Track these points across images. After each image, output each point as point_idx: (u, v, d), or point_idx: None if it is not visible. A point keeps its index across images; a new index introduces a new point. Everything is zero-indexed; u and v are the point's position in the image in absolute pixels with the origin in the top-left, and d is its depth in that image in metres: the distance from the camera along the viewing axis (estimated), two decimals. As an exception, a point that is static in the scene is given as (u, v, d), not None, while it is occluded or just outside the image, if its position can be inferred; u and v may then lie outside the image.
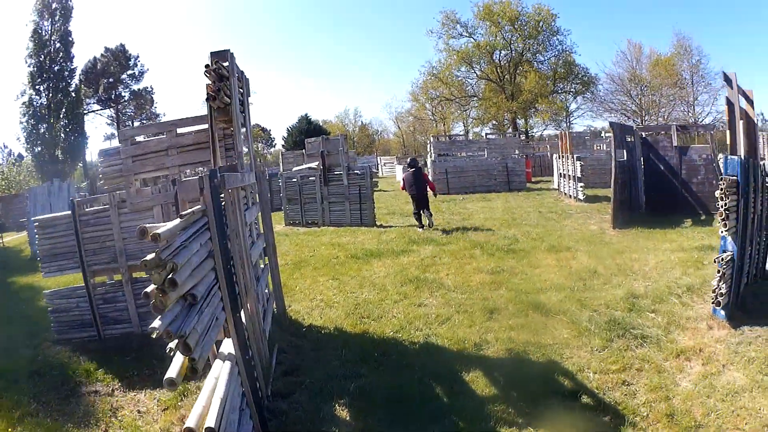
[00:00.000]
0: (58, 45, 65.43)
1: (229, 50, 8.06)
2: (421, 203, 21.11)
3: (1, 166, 74.79)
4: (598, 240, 16.52)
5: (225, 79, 7.91)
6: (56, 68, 65.37)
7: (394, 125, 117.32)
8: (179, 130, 9.49)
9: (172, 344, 4.14)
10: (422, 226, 21.05)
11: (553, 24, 76.66)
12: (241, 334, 5.89)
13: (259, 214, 10.54)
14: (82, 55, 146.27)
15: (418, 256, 15.75)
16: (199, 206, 5.52)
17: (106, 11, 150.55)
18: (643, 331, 8.49)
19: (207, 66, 7.61)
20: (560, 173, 31.03)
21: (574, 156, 27.59)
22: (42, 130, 64.36)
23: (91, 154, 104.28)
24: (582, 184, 26.77)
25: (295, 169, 27.69)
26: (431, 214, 21.34)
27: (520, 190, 35.42)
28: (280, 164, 32.82)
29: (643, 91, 72.75)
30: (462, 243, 17.19)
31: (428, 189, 21.35)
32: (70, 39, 66.73)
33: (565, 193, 29.48)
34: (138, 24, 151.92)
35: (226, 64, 7.93)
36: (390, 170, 67.89)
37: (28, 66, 65.00)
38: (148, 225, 4.19)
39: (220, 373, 5.04)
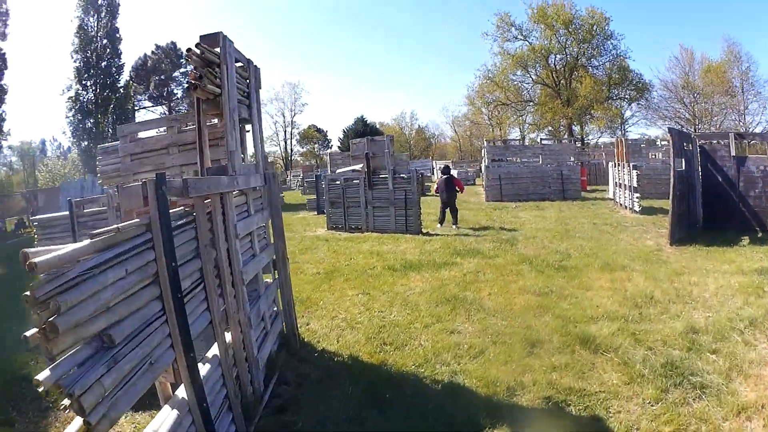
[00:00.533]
0: (104, 41, 65.84)
1: (221, 33, 6.98)
2: (448, 206, 23.69)
3: (46, 158, 75.28)
4: (655, 258, 15.20)
5: (214, 65, 6.93)
6: (103, 64, 65.90)
7: (451, 129, 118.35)
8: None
9: (65, 401, 3.22)
10: (441, 223, 23.73)
11: (606, 28, 75.60)
12: (197, 379, 4.90)
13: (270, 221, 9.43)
14: (132, 52, 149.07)
15: (460, 270, 14.61)
16: (136, 220, 4.52)
17: (157, 11, 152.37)
18: (702, 379, 7.18)
19: (189, 50, 6.55)
20: (616, 182, 29.66)
21: (630, 164, 26.19)
22: (89, 125, 64.91)
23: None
24: (638, 195, 25.46)
25: (339, 171, 26.69)
26: (456, 220, 23.59)
27: (575, 199, 34.18)
28: (328, 165, 31.88)
29: (695, 98, 71.40)
30: (510, 256, 16.05)
31: (456, 191, 23.66)
32: (117, 36, 67.26)
33: (621, 204, 28.13)
34: (191, 23, 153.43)
35: (217, 50, 6.96)
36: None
37: (74, 61, 65.50)
38: (32, 250, 3.23)
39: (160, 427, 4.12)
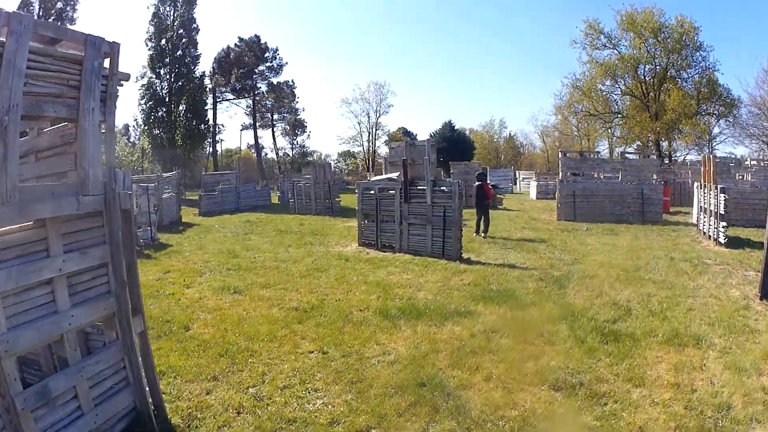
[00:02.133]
0: (180, 31, 65.81)
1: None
2: (480, 214, 24.13)
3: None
4: (741, 323, 11.05)
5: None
6: (178, 53, 65.71)
7: (539, 139, 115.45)
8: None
9: None
10: (478, 233, 23.75)
11: (695, 38, 70.62)
12: None
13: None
14: (215, 44, 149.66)
15: (472, 326, 10.84)
16: None
17: (243, 4, 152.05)
18: None
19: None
20: (700, 206, 25.06)
21: (717, 187, 21.85)
22: (161, 114, 64.52)
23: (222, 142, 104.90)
24: (724, 224, 21.20)
25: (373, 178, 23.09)
26: (486, 229, 23.89)
27: (655, 222, 29.56)
28: (383, 170, 28.18)
29: None
30: (549, 307, 12.25)
31: (486, 200, 24.34)
32: (194, 26, 67.40)
33: (704, 233, 23.70)
34: (280, 19, 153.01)
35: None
36: (527, 186, 62.71)
37: (149, 49, 65.76)
38: None
39: None
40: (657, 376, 8.32)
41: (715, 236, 21.59)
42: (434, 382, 8.09)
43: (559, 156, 33.77)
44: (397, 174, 20.01)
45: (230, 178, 48.18)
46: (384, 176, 21.53)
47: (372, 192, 20.84)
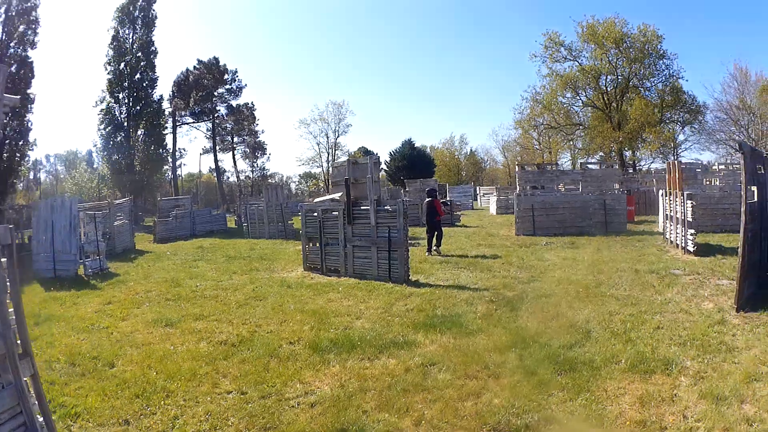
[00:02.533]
0: (139, 54, 64.61)
1: None
2: (430, 231, 23.38)
3: (74, 171, 74.28)
4: (717, 340, 9.68)
5: None
6: (137, 77, 64.51)
7: (501, 154, 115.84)
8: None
9: None
10: (430, 252, 22.96)
11: (659, 46, 70.15)
12: None
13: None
14: (175, 67, 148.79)
15: (407, 359, 9.46)
16: None
17: (202, 25, 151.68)
18: None
19: None
20: (666, 214, 23.96)
21: (685, 194, 20.71)
22: (119, 139, 63.22)
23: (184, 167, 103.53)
24: (692, 231, 19.96)
25: (317, 200, 21.68)
26: (438, 245, 23.27)
27: (619, 233, 28.20)
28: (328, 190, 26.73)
29: (752, 120, 66.45)
30: (498, 333, 10.77)
31: (437, 218, 23.47)
32: (153, 49, 66.19)
33: (671, 241, 22.57)
34: (238, 42, 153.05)
35: None
36: (487, 201, 61.89)
37: (108, 73, 64.54)
38: None
39: None
40: (619, 412, 6.93)
41: (684, 244, 20.41)
42: (356, 427, 6.83)
43: (517, 170, 32.47)
44: (340, 194, 18.63)
45: (185, 203, 46.83)
46: (327, 197, 20.17)
47: (315, 214, 19.44)
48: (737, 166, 36.08)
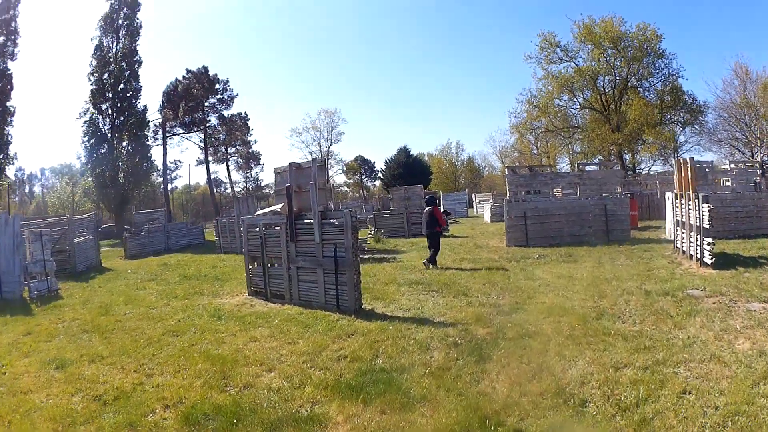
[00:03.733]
0: (123, 64, 61.91)
1: None
2: (429, 241, 21.00)
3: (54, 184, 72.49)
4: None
5: None
6: (120, 87, 61.79)
7: (498, 160, 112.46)
8: None
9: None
10: (435, 265, 19.96)
11: (657, 46, 67.10)
12: None
13: None
14: (166, 78, 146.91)
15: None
16: None
17: (192, 35, 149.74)
18: None
19: None
20: (676, 219, 20.28)
21: (699, 195, 17.17)
22: (103, 151, 60.60)
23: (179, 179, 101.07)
24: (709, 240, 16.44)
25: (258, 212, 18.12)
26: (433, 259, 20.26)
27: (623, 241, 24.42)
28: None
29: (754, 118, 63.62)
30: (447, 408, 7.21)
31: (437, 227, 20.99)
32: (137, 58, 63.48)
33: (683, 251, 18.94)
34: (230, 52, 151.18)
35: None
36: (482, 209, 58.12)
37: (91, 84, 61.94)
38: None
39: None
40: None
41: (699, 255, 16.97)
42: None
43: (507, 173, 28.73)
44: (281, 205, 15.19)
45: (160, 216, 44.82)
46: (269, 209, 16.67)
47: (257, 230, 15.99)
48: (749, 164, 33.01)
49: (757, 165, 31.54)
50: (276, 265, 15.54)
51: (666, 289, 13.61)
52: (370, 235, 32.31)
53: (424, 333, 10.86)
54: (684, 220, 18.77)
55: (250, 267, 16.53)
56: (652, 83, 69.59)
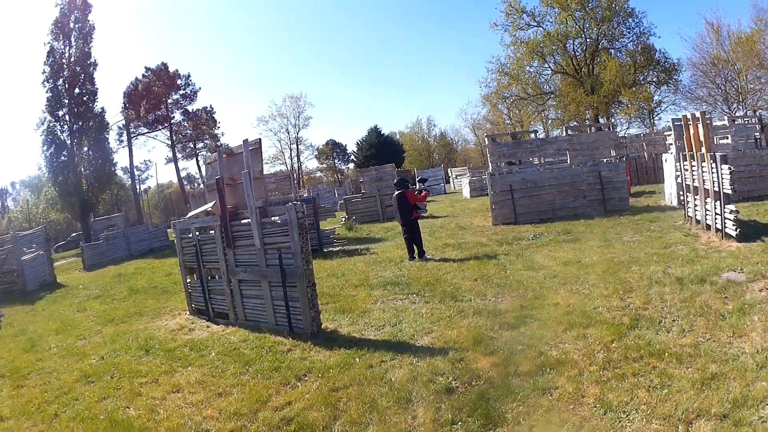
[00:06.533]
0: (77, 68, 58.14)
1: None
2: (408, 232, 17.21)
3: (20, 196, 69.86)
4: None
5: None
6: (76, 92, 58.25)
7: (471, 133, 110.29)
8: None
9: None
10: (412, 257, 16.95)
11: (626, 5, 65.33)
12: None
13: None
14: (125, 79, 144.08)
15: None
16: None
17: (148, 34, 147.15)
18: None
19: None
20: (686, 184, 17.17)
21: (716, 156, 14.08)
22: (64, 158, 57.21)
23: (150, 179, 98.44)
24: (732, 208, 13.48)
25: (190, 213, 14.85)
26: (421, 251, 17.03)
27: (623, 211, 21.38)
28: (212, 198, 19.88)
29: (728, 75, 61.00)
30: None
31: (414, 212, 17.37)
32: (91, 61, 59.77)
33: (697, 220, 16.09)
34: (188, 47, 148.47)
35: None
36: (460, 184, 55.80)
37: (46, 91, 58.01)
38: None
39: None
40: None
41: (720, 226, 14.00)
42: None
43: (487, 143, 25.45)
44: (213, 203, 11.99)
45: (118, 221, 41.95)
46: (201, 209, 13.48)
47: (191, 236, 12.91)
48: (747, 120, 30.00)
49: (756, 120, 28.47)
50: (217, 277, 12.48)
51: (698, 273, 10.61)
52: (342, 223, 29.88)
53: (403, 371, 7.70)
54: (696, 184, 15.79)
55: (189, 281, 13.49)
56: (623, 43, 67.93)
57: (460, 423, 6.03)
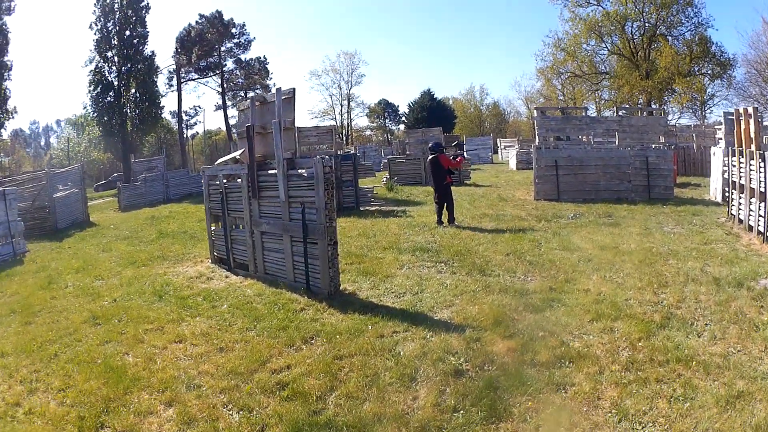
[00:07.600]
0: (129, 12, 58.25)
1: None
2: (440, 197, 16.98)
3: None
4: None
5: None
6: (126, 34, 58.39)
7: (524, 105, 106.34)
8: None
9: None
10: (441, 222, 16.71)
11: None
12: None
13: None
14: (177, 24, 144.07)
15: None
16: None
17: None
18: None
19: None
20: (732, 181, 16.30)
21: (765, 155, 13.16)
22: (110, 99, 57.36)
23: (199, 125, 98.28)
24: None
25: (218, 161, 14.41)
26: (451, 217, 16.81)
27: (666, 200, 20.63)
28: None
29: None
30: None
31: (448, 177, 17.10)
32: (143, 4, 59.61)
33: (740, 219, 15.13)
34: None
35: None
36: (508, 155, 54.26)
37: (94, 33, 58.22)
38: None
39: None
40: None
41: (762, 228, 13.12)
42: None
43: (535, 115, 24.67)
44: (242, 151, 11.67)
45: (158, 164, 42.50)
46: (230, 156, 13.15)
47: (218, 183, 12.68)
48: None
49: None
50: (241, 227, 12.22)
51: (736, 275, 9.91)
52: (383, 183, 29.52)
53: (414, 344, 7.27)
54: (743, 182, 14.94)
55: (213, 228, 13.24)
56: (681, 32, 66.07)
57: (462, 411, 5.59)
